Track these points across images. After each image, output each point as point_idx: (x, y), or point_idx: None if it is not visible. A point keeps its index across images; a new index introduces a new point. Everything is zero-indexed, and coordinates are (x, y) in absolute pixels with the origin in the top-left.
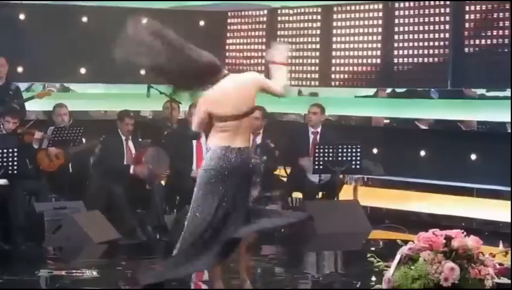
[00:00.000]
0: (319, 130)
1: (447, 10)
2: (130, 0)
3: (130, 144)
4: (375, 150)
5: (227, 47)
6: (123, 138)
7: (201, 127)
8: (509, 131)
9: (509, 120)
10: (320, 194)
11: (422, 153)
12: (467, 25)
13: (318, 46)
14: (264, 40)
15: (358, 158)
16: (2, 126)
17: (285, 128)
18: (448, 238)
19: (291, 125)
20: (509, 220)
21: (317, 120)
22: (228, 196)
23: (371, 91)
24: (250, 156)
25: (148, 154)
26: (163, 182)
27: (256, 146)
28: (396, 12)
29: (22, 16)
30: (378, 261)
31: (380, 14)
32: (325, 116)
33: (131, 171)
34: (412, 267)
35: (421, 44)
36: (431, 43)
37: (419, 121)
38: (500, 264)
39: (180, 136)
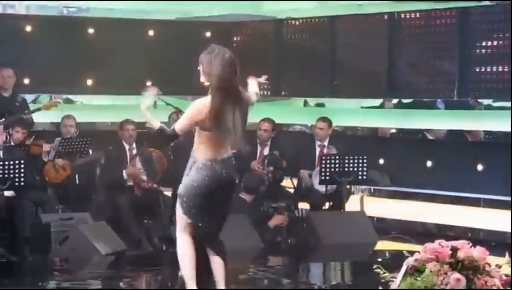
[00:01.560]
0: (326, 143)
1: (453, 20)
2: (131, 1)
3: (134, 152)
4: (381, 161)
5: None
6: (126, 147)
7: (184, 131)
8: None
9: None
10: (327, 204)
11: (429, 163)
12: (473, 35)
13: (325, 56)
14: (271, 50)
15: (364, 169)
16: (8, 137)
17: (292, 140)
18: (454, 249)
19: (298, 137)
20: None
21: (325, 135)
22: (213, 210)
23: (377, 102)
24: (233, 167)
25: (141, 157)
26: (169, 193)
27: (264, 157)
28: (402, 23)
29: (28, 28)
30: (384, 272)
31: (386, 24)
32: (331, 129)
33: (124, 175)
34: (418, 278)
35: (427, 54)
36: (437, 53)
37: (426, 132)
38: (506, 275)
39: (186, 147)
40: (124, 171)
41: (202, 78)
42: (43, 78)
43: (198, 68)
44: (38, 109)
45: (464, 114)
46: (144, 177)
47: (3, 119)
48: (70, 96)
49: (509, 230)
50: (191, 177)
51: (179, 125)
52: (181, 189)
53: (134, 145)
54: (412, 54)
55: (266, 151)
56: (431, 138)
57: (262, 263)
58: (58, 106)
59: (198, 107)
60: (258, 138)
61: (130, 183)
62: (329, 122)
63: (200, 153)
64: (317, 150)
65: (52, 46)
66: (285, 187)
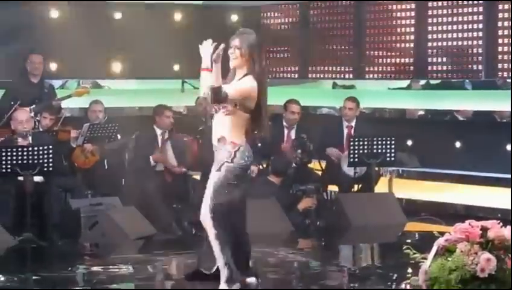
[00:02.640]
0: (353, 124)
1: (480, 1)
2: None
3: (166, 137)
4: (409, 142)
5: None
6: (158, 132)
7: (231, 98)
8: None
9: None
10: (355, 187)
11: (458, 144)
12: (500, 15)
13: (352, 39)
14: (298, 33)
15: (393, 150)
16: (37, 123)
17: (319, 122)
18: (485, 229)
19: (325, 119)
20: None
21: (353, 115)
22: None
23: (405, 83)
24: None
25: (172, 142)
26: (198, 177)
27: (292, 140)
28: (430, 4)
29: (55, 14)
30: (415, 253)
31: (413, 5)
32: (359, 110)
33: (151, 161)
34: (449, 258)
35: (454, 35)
36: (464, 34)
37: (455, 112)
38: None
39: None
40: (151, 157)
41: (237, 62)
42: (71, 64)
43: (233, 51)
44: (69, 96)
45: (491, 94)
46: (175, 163)
47: (34, 106)
48: (98, 81)
49: None
50: (237, 161)
51: (231, 92)
52: (230, 176)
53: (167, 131)
54: (439, 34)
55: (293, 134)
56: (460, 118)
57: (292, 246)
58: (89, 90)
59: (253, 84)
60: (285, 121)
61: (161, 168)
62: (358, 103)
63: (239, 136)
64: (345, 131)
65: (79, 31)
66: (314, 170)
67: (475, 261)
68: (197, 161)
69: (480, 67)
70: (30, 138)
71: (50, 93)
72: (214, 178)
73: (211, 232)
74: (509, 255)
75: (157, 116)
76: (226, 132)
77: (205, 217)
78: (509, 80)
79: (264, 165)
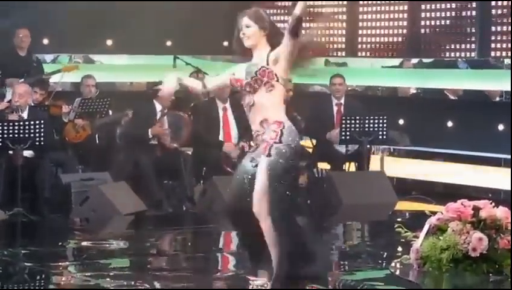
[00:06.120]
0: (342, 101)
1: None
2: None
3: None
4: (401, 121)
5: None
6: (158, 108)
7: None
8: None
9: None
10: (347, 164)
11: (449, 123)
12: None
13: (345, 16)
14: (286, 11)
15: (385, 129)
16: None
17: (311, 100)
18: (477, 209)
19: (317, 97)
20: None
21: (344, 90)
22: None
23: (397, 61)
24: None
25: (169, 118)
26: (190, 153)
27: None
28: None
29: None
30: (406, 232)
31: None
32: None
33: (149, 133)
34: (441, 237)
35: (448, 14)
36: (458, 13)
37: (446, 91)
38: None
39: (207, 108)
40: (149, 130)
41: (252, 40)
42: (62, 38)
43: (251, 29)
44: (59, 71)
45: (484, 73)
46: (169, 138)
47: (22, 80)
48: (90, 56)
49: None
50: (284, 140)
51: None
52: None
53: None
54: (432, 12)
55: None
56: (452, 97)
57: None
58: (79, 66)
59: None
60: None
61: (154, 142)
62: (344, 78)
63: (282, 115)
64: (335, 109)
65: (71, 5)
66: (305, 147)
67: (467, 241)
68: (188, 137)
69: (473, 46)
70: (25, 113)
71: (38, 67)
72: (265, 164)
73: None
74: (501, 235)
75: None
76: (269, 112)
77: (260, 208)
78: (504, 60)
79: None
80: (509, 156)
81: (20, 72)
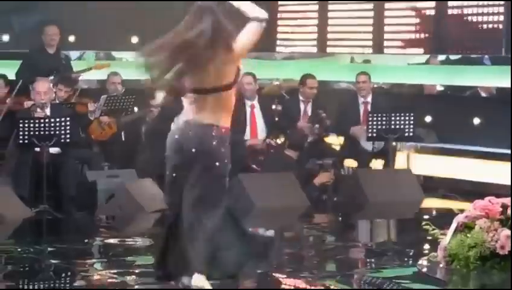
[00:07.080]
0: (369, 99)
1: None
2: None
3: None
4: (428, 118)
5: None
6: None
7: None
8: None
9: None
10: (373, 161)
11: (476, 120)
12: None
13: (372, 13)
14: (316, 7)
15: (411, 126)
16: (55, 95)
17: (336, 97)
18: (505, 206)
19: (342, 94)
20: None
21: (368, 88)
22: None
23: (424, 58)
24: None
25: None
26: None
27: (309, 116)
28: None
29: None
30: (434, 229)
31: None
32: (372, 84)
33: None
34: (468, 235)
35: (474, 11)
36: (485, 10)
37: (474, 88)
38: None
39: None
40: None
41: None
42: (88, 36)
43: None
44: (90, 69)
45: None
46: None
47: (52, 77)
48: (114, 54)
49: None
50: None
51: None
52: None
53: None
54: (459, 9)
55: (309, 108)
56: (479, 94)
57: (308, 221)
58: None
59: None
60: (302, 96)
61: None
62: (369, 76)
63: None
64: (361, 107)
65: (97, 2)
66: (331, 145)
67: (495, 238)
68: None
69: (500, 42)
70: (48, 110)
71: (67, 64)
72: None
73: None
74: None
75: None
76: None
77: None
78: None
79: (282, 140)
80: None
81: (49, 70)
